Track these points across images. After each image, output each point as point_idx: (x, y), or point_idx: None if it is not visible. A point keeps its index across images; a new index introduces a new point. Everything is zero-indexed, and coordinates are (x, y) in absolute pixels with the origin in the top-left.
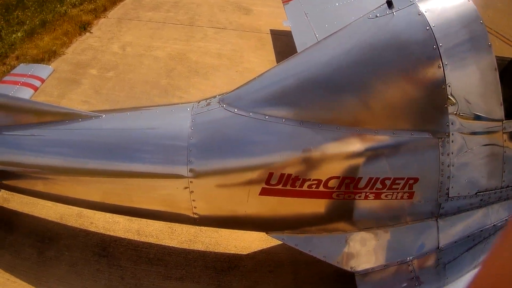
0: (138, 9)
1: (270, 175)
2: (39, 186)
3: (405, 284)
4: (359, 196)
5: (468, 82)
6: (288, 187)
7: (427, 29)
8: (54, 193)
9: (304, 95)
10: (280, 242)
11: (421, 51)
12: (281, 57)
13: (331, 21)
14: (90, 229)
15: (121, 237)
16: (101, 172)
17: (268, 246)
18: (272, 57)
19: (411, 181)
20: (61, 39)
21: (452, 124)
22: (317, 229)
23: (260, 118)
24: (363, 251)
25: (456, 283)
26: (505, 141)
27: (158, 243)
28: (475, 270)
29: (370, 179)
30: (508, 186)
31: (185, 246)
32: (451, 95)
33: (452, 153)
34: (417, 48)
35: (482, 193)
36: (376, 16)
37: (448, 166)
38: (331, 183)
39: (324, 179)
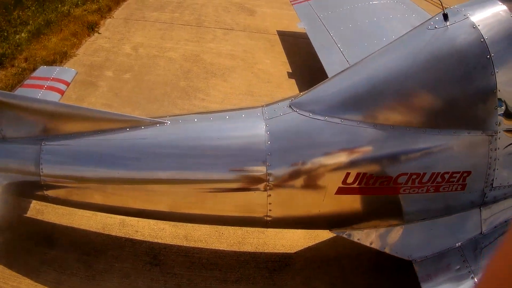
0: (143, 10)
1: (347, 175)
2: (98, 199)
3: (458, 267)
4: (422, 190)
5: (511, 86)
6: (363, 185)
7: (482, 41)
8: (116, 205)
9: (376, 99)
10: (323, 239)
11: (477, 60)
12: (293, 58)
13: (345, 24)
14: (136, 238)
15: (170, 244)
16: (171, 181)
17: (313, 243)
18: (284, 58)
19: (465, 174)
20: (70, 40)
21: (499, 123)
22: (379, 223)
23: (336, 121)
24: (419, 240)
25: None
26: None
27: (207, 247)
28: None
29: (433, 174)
30: None
31: (235, 248)
32: (500, 98)
33: (498, 149)
34: (473, 57)
35: None
36: (435, 27)
37: (495, 160)
38: (400, 179)
39: (394, 176)
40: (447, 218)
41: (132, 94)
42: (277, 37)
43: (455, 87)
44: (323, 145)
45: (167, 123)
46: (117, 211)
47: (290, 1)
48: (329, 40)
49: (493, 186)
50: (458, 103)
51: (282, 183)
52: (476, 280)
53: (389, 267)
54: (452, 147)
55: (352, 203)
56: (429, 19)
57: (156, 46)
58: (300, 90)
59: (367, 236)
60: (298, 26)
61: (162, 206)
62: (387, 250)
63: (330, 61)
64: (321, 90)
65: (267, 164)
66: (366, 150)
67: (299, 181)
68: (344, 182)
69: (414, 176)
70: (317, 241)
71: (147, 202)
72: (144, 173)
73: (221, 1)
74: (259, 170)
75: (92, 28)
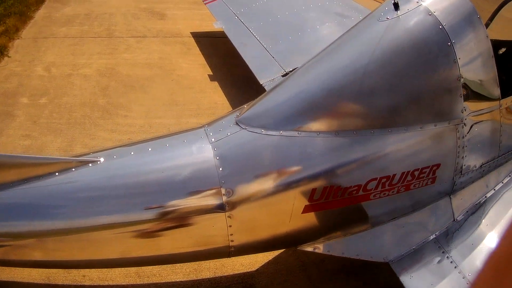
0: (50, 26)
1: (313, 191)
2: (39, 255)
3: (438, 259)
4: (393, 192)
5: (474, 71)
6: (331, 199)
7: (440, 28)
8: (62, 260)
9: (334, 104)
10: (282, 250)
11: (438, 49)
12: (212, 60)
13: (265, 18)
14: (85, 284)
15: (122, 285)
16: (117, 225)
17: (273, 257)
18: (202, 60)
19: (434, 168)
20: None
21: (465, 110)
22: (350, 231)
23: (292, 135)
24: (392, 240)
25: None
26: (501, 116)
27: (163, 281)
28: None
29: (403, 173)
30: (503, 154)
31: (192, 277)
32: (464, 84)
33: (465, 136)
34: (434, 46)
35: (484, 164)
36: (387, 18)
37: (463, 147)
38: (370, 185)
39: (363, 183)
40: (418, 213)
41: (51, 120)
42: (192, 39)
43: (418, 80)
44: (282, 163)
45: (100, 160)
46: (64, 265)
47: (203, 1)
48: (250, 37)
49: (462, 173)
50: (423, 97)
51: (242, 210)
52: (460, 268)
53: (356, 266)
54: (421, 143)
55: (321, 218)
56: (377, 9)
57: (68, 64)
58: (225, 93)
59: (338, 246)
60: (215, 26)
61: (112, 254)
62: (361, 257)
63: (254, 59)
64: (269, 102)
65: (223, 192)
66: (331, 161)
67: (261, 205)
68: (310, 199)
69: (384, 180)
70: (276, 254)
71: (94, 252)
72: (84, 221)
73: (129, 7)
74: (215, 200)
75: (1, 52)
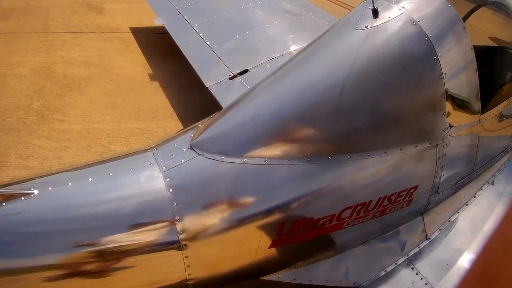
0: None
1: (282, 224)
2: None
3: (411, 280)
4: (367, 218)
5: (459, 86)
6: (302, 232)
7: (426, 40)
8: None
9: (306, 126)
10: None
11: (423, 63)
12: (153, 58)
13: (209, 15)
14: None
15: None
16: (57, 266)
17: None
18: (142, 58)
19: (412, 190)
20: None
21: (447, 128)
22: (318, 258)
23: (259, 163)
24: (362, 264)
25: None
26: (479, 131)
27: None
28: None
29: (379, 199)
30: (478, 169)
31: None
32: (449, 101)
33: (445, 155)
34: (419, 60)
35: (460, 181)
36: (366, 27)
37: (442, 167)
38: (344, 214)
39: (337, 212)
40: (390, 234)
41: None
42: (131, 35)
43: (400, 98)
44: (246, 195)
45: (33, 193)
46: None
47: None
48: (194, 35)
49: (438, 192)
50: (405, 116)
51: (200, 246)
52: (433, 286)
53: None
54: (400, 166)
55: (290, 250)
56: (352, 14)
57: (3, 63)
58: (167, 94)
59: (304, 274)
60: (156, 23)
61: None
62: (329, 283)
63: (199, 60)
64: (230, 123)
65: (178, 229)
66: (302, 191)
67: (222, 241)
68: (279, 233)
69: (359, 207)
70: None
71: None
72: (20, 262)
73: (66, 1)
74: (169, 236)
75: None
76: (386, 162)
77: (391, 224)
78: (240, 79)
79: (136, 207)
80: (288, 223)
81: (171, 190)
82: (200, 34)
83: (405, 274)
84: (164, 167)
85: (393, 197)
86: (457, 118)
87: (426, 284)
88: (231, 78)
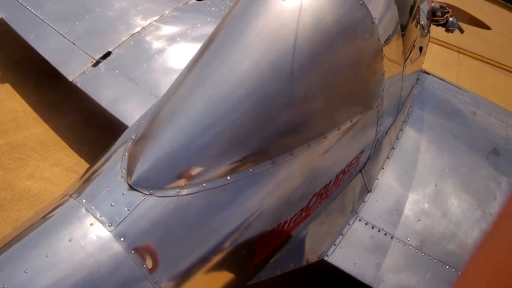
0: None
1: (262, 238)
2: None
3: (371, 235)
4: (327, 197)
5: (390, 44)
6: (278, 236)
7: (361, 4)
8: None
9: (262, 125)
10: None
11: (363, 28)
12: None
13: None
14: None
15: None
16: None
17: None
18: None
19: (359, 155)
20: None
21: (384, 88)
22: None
23: (223, 183)
24: (320, 236)
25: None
26: (403, 79)
27: None
28: None
29: (337, 176)
30: (399, 113)
31: None
32: (385, 61)
33: (383, 111)
34: (358, 26)
35: (389, 129)
36: None
37: (380, 124)
38: (311, 202)
39: (306, 204)
40: (336, 199)
41: None
42: None
43: (346, 70)
44: (222, 223)
45: None
46: None
47: None
48: (40, 24)
49: (376, 147)
50: (352, 88)
51: None
52: (396, 237)
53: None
54: (351, 138)
55: (271, 255)
56: None
57: None
58: (23, 95)
59: (275, 266)
60: None
61: None
62: (296, 266)
63: (53, 52)
64: (168, 143)
65: None
66: (272, 197)
67: (204, 276)
68: (259, 249)
69: (322, 190)
70: None
71: None
72: None
73: None
74: None
75: None
76: (340, 138)
77: (343, 192)
78: (105, 63)
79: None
80: (266, 234)
81: (133, 252)
82: (47, 22)
83: (361, 231)
84: (109, 224)
85: (346, 169)
86: (390, 73)
87: (385, 234)
88: (94, 65)
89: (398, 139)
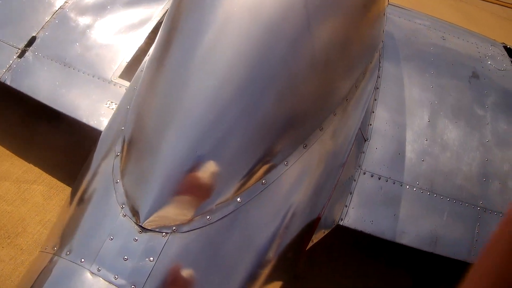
0: None
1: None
2: None
3: (380, 188)
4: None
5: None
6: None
7: None
8: None
9: (237, 148)
10: None
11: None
12: None
13: None
14: None
15: None
16: None
17: None
18: None
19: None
20: None
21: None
22: None
23: (226, 213)
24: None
25: None
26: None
27: None
28: None
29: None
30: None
31: None
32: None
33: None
34: None
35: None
36: None
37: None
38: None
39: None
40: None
41: None
42: None
43: (349, 45)
44: (258, 241)
45: None
46: None
47: None
48: None
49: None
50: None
51: None
52: (406, 183)
53: None
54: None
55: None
56: None
57: None
58: None
59: None
60: None
61: None
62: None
63: None
64: (176, 163)
65: None
66: (308, 192)
67: None
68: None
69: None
70: None
71: None
72: None
73: None
74: None
75: None
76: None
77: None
78: (32, 52)
79: None
80: (309, 230)
81: None
82: None
83: (369, 184)
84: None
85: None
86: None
87: (394, 183)
88: (20, 56)
89: (379, 77)
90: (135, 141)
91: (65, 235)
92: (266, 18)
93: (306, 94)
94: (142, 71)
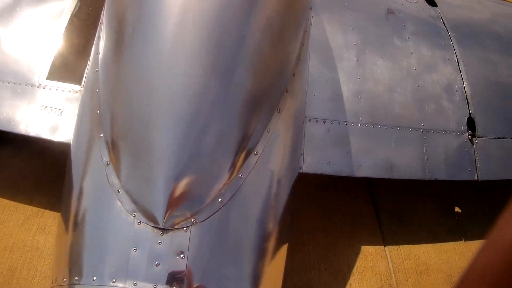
0: None
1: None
2: None
3: (326, 129)
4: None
5: None
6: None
7: None
8: None
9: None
10: None
11: None
12: None
13: None
14: None
15: None
16: None
17: None
18: None
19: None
20: None
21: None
22: None
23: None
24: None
25: None
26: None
27: None
28: None
29: None
30: None
31: None
32: None
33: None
34: None
35: None
36: None
37: None
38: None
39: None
40: None
41: None
42: None
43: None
44: (261, 216)
45: None
46: None
47: None
48: None
49: None
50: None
51: None
52: (345, 120)
53: None
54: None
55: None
56: None
57: None
58: None
59: None
60: None
61: None
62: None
63: None
64: (177, 154)
65: None
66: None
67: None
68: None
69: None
70: None
71: None
72: None
73: None
74: None
75: None
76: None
77: None
78: None
79: None
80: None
81: None
82: None
83: (316, 129)
84: None
85: None
86: None
87: (339, 123)
88: None
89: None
90: (123, 147)
91: (75, 261)
92: (218, 5)
93: (270, 62)
94: (96, 71)
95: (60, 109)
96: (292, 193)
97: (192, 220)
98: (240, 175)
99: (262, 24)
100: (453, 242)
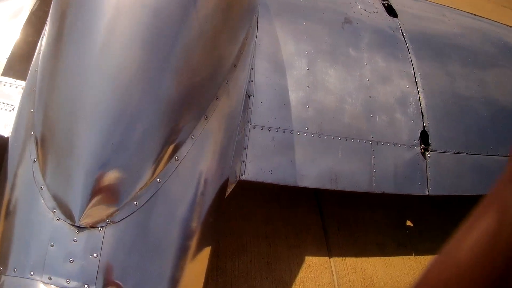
0: None
1: None
2: None
3: (269, 138)
4: None
5: None
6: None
7: None
8: None
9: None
10: None
11: None
12: None
13: None
14: None
15: None
16: None
17: None
18: None
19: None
20: None
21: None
22: None
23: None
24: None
25: None
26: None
27: None
28: None
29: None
30: None
31: None
32: None
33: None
34: None
35: None
36: None
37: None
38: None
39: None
40: None
41: None
42: None
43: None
44: (181, 216)
45: None
46: None
47: None
48: None
49: None
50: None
51: None
52: (291, 129)
53: None
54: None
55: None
56: None
57: None
58: None
59: None
60: None
61: None
62: None
63: None
64: (98, 155)
65: None
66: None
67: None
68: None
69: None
70: None
71: None
72: None
73: None
74: None
75: None
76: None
77: None
78: None
79: None
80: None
81: None
82: None
83: (261, 137)
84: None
85: None
86: None
87: (284, 132)
88: None
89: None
90: (49, 144)
91: (3, 253)
92: (152, 8)
93: (200, 67)
94: (36, 70)
95: (12, 105)
96: (219, 199)
97: (107, 220)
98: (158, 179)
99: (195, 29)
100: (402, 256)
